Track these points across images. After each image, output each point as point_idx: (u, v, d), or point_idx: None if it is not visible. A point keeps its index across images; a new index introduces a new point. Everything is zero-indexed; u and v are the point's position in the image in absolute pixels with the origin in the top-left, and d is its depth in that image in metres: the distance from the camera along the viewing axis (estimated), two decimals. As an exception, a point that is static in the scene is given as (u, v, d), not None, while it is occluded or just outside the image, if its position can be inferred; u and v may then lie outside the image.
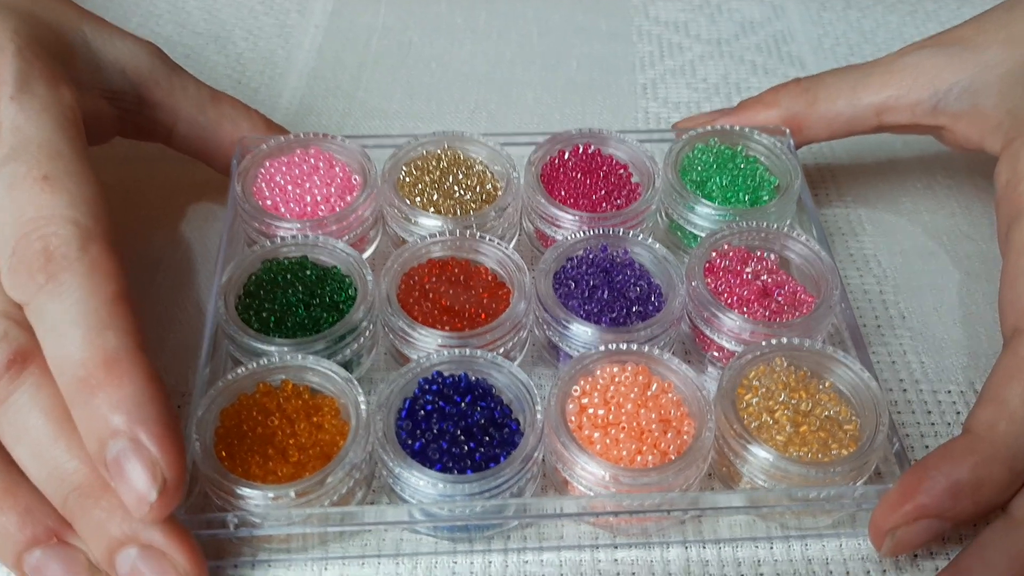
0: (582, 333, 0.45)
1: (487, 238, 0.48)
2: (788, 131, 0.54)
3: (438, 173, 0.52)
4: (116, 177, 0.57)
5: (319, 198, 0.50)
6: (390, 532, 0.41)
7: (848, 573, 0.41)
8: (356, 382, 0.41)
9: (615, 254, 0.49)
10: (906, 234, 0.56)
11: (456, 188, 0.51)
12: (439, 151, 0.53)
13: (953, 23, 0.52)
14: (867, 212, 0.58)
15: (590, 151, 0.54)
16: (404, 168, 0.52)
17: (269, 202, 0.50)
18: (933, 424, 0.46)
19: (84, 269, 0.36)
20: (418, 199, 0.51)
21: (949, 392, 0.48)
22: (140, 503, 0.34)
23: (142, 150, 0.56)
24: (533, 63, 0.70)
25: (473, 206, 0.51)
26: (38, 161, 0.38)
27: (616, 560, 0.41)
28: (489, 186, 0.52)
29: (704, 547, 0.42)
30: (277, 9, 0.72)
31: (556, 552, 0.41)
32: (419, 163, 0.53)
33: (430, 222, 0.49)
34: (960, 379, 0.48)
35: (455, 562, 0.41)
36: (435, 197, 0.51)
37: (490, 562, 0.41)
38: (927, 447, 0.45)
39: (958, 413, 0.47)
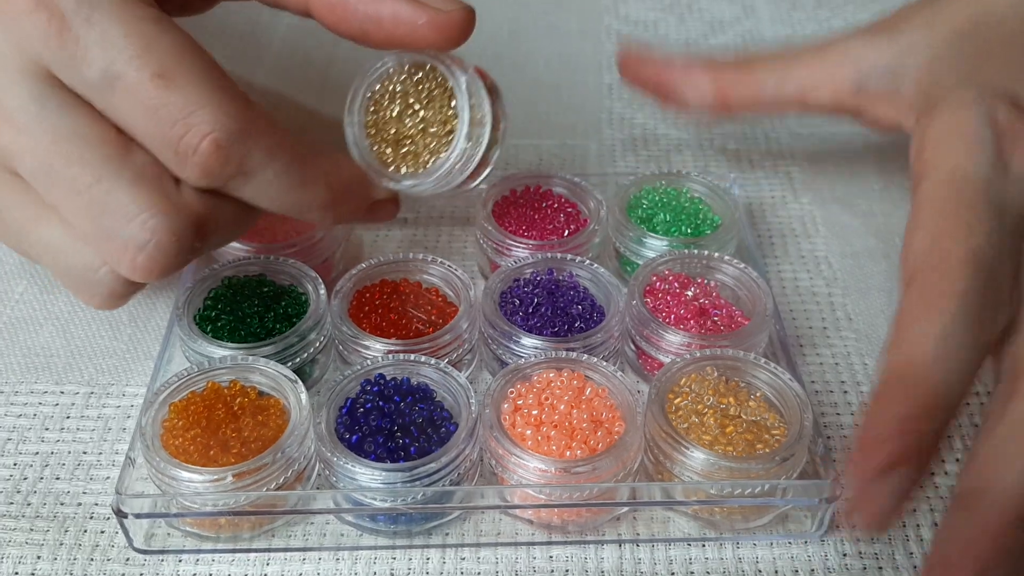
0: (525, 346, 0.47)
1: (438, 260, 0.51)
2: (733, 177, 0.57)
3: None
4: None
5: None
6: (331, 526, 0.43)
7: (777, 573, 0.42)
8: (300, 381, 0.43)
9: (560, 277, 0.51)
10: (859, 236, 0.57)
11: None
12: None
13: None
14: (822, 213, 0.59)
15: (541, 191, 0.57)
16: None
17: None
18: (869, 429, 0.48)
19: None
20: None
21: (890, 395, 0.49)
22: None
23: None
24: (500, 62, 0.70)
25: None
26: (159, 60, 0.38)
27: (551, 557, 0.42)
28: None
29: (638, 547, 0.43)
30: (249, 8, 0.67)
31: (493, 549, 0.43)
32: None
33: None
34: (902, 382, 0.49)
35: (394, 558, 0.42)
36: None
37: (428, 558, 0.42)
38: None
39: (894, 418, 0.48)
